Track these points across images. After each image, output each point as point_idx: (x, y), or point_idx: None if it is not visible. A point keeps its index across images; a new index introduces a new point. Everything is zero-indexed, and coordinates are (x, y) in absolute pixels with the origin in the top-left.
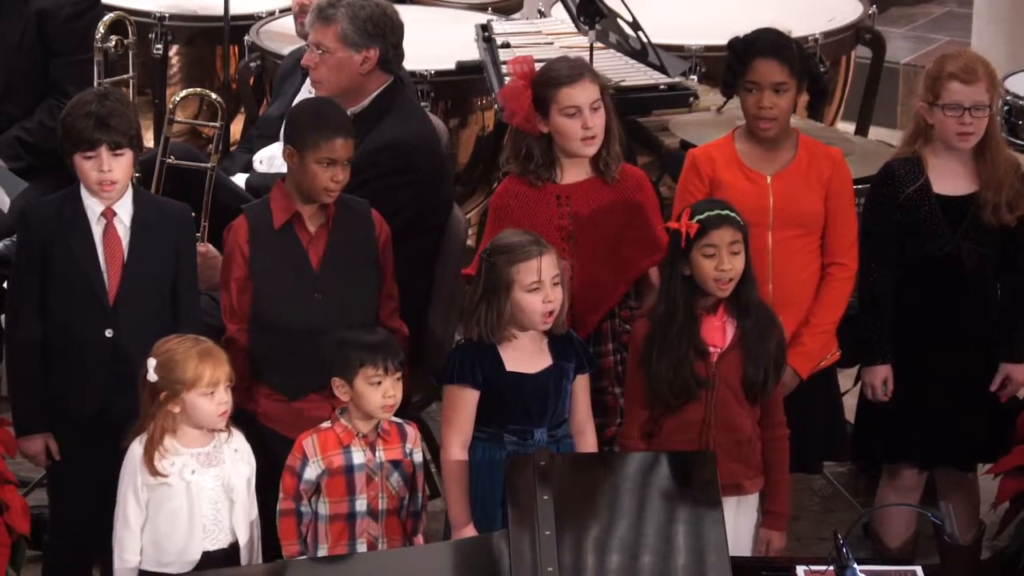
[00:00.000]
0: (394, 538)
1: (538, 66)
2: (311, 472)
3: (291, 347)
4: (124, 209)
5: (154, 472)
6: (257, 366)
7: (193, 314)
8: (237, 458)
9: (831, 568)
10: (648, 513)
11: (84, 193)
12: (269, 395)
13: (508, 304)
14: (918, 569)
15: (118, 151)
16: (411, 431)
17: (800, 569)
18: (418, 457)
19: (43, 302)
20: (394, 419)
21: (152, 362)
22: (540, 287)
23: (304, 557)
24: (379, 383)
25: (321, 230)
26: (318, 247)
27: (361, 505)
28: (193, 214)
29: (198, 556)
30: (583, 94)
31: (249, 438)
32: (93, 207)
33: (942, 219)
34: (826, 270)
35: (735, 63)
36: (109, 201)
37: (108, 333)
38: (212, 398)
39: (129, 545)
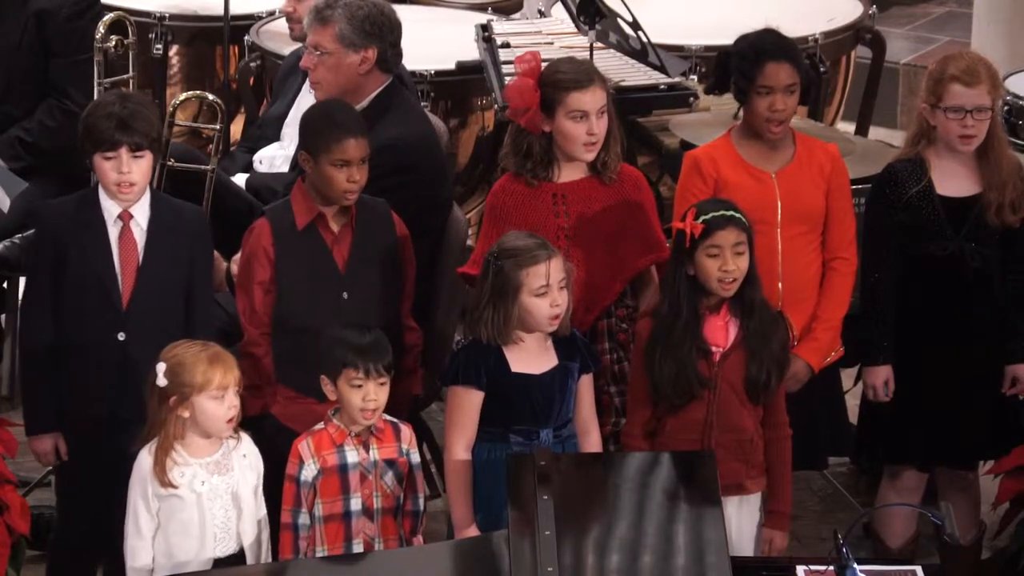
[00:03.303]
0: (390, 538)
1: (544, 65)
2: (308, 473)
3: (317, 348)
4: (141, 212)
5: (165, 483)
6: (282, 368)
7: (207, 318)
8: (245, 464)
9: (831, 568)
10: (648, 513)
11: (102, 195)
12: (292, 397)
13: (515, 308)
14: (918, 569)
15: (138, 153)
16: (406, 430)
17: (800, 569)
18: (415, 457)
19: (56, 303)
20: (389, 418)
21: (162, 366)
22: (548, 291)
23: (304, 557)
24: (360, 386)
25: (344, 230)
26: (343, 247)
27: (356, 504)
28: None
29: (209, 564)
30: (592, 100)
31: (260, 440)
32: (110, 209)
33: (945, 220)
34: (829, 265)
35: (747, 68)
36: (127, 203)
37: (120, 336)
38: (222, 402)
39: (141, 554)
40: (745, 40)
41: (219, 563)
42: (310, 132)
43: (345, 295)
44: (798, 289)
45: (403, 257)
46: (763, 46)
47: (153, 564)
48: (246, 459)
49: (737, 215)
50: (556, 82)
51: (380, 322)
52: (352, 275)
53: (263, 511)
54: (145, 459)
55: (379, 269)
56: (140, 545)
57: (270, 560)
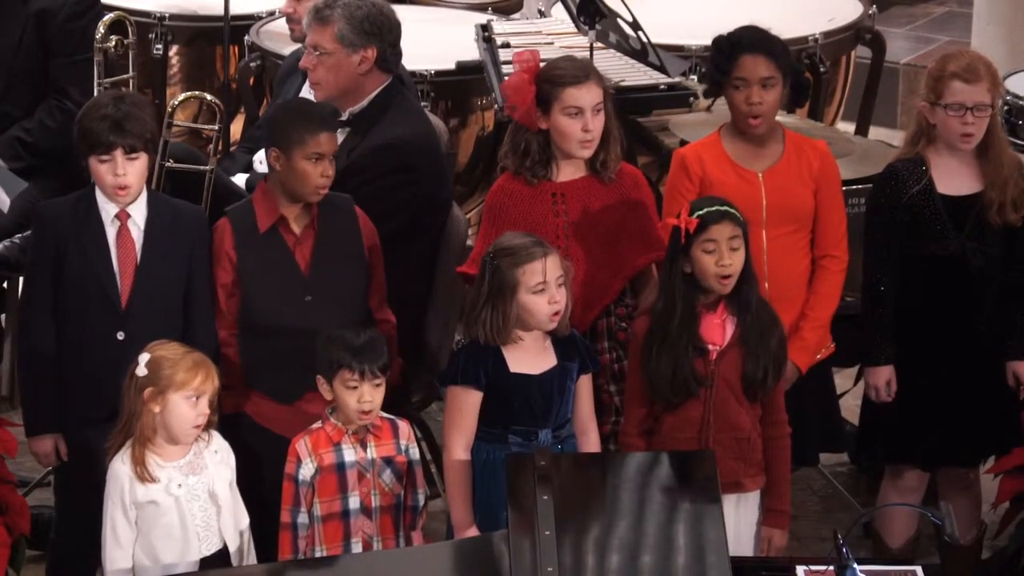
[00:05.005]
0: (389, 537)
1: (542, 63)
2: (306, 472)
3: (284, 351)
4: (138, 212)
5: (146, 479)
6: (250, 372)
7: (206, 318)
8: (218, 460)
9: (831, 568)
10: (648, 513)
11: (99, 195)
12: (264, 397)
13: (513, 306)
14: (918, 569)
15: (133, 154)
16: (404, 427)
17: (800, 569)
18: (414, 453)
19: (56, 303)
20: (386, 415)
21: (145, 356)
22: (545, 288)
23: (303, 557)
24: (355, 388)
25: (307, 231)
26: (305, 249)
27: (354, 502)
28: None
29: (196, 565)
30: (587, 96)
31: (236, 439)
32: (108, 209)
33: (946, 219)
34: (819, 263)
35: (722, 61)
36: (124, 204)
37: (120, 336)
38: (194, 407)
39: (121, 563)
40: (723, 35)
41: (205, 561)
42: (281, 128)
43: (308, 298)
44: (784, 288)
45: (369, 251)
46: (738, 39)
47: (134, 568)
48: (218, 455)
49: (732, 210)
50: (552, 78)
51: (346, 321)
52: (315, 277)
53: (246, 521)
54: (119, 468)
55: (344, 267)
56: (120, 556)
57: (253, 550)
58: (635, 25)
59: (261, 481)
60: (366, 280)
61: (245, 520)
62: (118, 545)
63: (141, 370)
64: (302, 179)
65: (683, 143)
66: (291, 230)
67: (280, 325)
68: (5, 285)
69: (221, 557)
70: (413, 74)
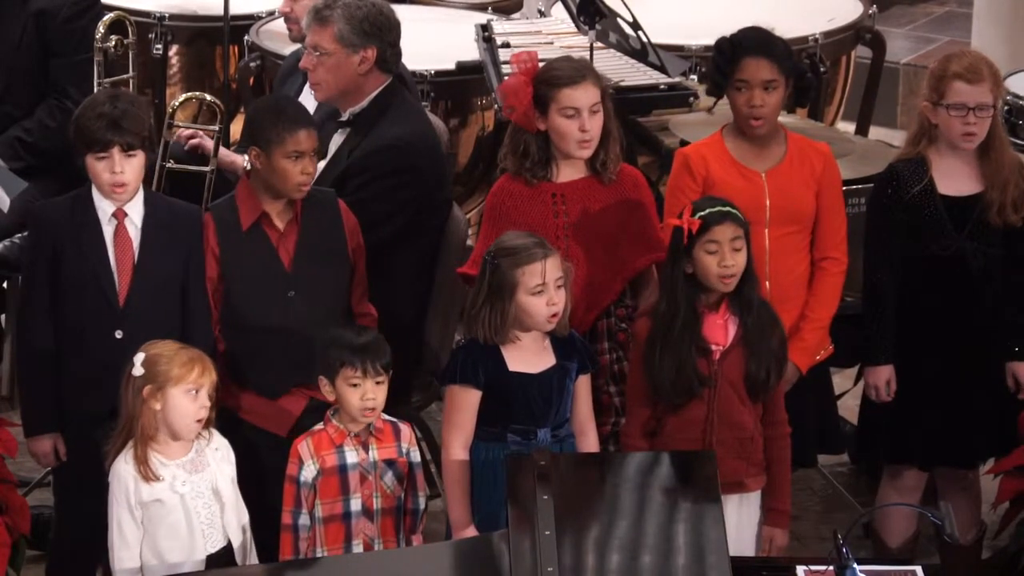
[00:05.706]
0: (390, 539)
1: (540, 64)
2: (308, 474)
3: (268, 346)
4: (135, 210)
5: (150, 478)
6: (234, 367)
7: (203, 315)
8: (220, 457)
9: (831, 568)
10: (648, 513)
11: (95, 194)
12: (248, 391)
13: (512, 306)
14: (918, 569)
15: (130, 152)
16: (406, 429)
17: (800, 569)
18: (415, 456)
19: (54, 303)
20: (388, 418)
21: (140, 356)
22: (544, 290)
23: (303, 557)
24: (357, 385)
25: (290, 226)
26: (288, 244)
27: (356, 505)
28: None
29: (202, 563)
30: (584, 96)
31: (228, 434)
32: (104, 208)
33: (947, 219)
34: (819, 264)
35: (723, 63)
36: (120, 203)
37: (118, 334)
38: (194, 400)
39: (128, 563)
40: (725, 37)
41: (211, 559)
42: (260, 127)
43: (292, 293)
44: (785, 289)
45: (352, 246)
46: (740, 41)
47: (142, 567)
48: (219, 452)
49: (734, 211)
50: (548, 79)
51: (329, 315)
52: (299, 272)
53: (246, 517)
54: (123, 468)
55: (327, 262)
56: (127, 556)
57: (253, 545)
58: (635, 25)
59: (247, 476)
60: (349, 275)
61: (246, 516)
62: (126, 545)
63: (137, 370)
64: (283, 177)
65: (683, 143)
66: (274, 226)
67: (263, 321)
68: (5, 285)
69: (226, 554)
70: (413, 74)
